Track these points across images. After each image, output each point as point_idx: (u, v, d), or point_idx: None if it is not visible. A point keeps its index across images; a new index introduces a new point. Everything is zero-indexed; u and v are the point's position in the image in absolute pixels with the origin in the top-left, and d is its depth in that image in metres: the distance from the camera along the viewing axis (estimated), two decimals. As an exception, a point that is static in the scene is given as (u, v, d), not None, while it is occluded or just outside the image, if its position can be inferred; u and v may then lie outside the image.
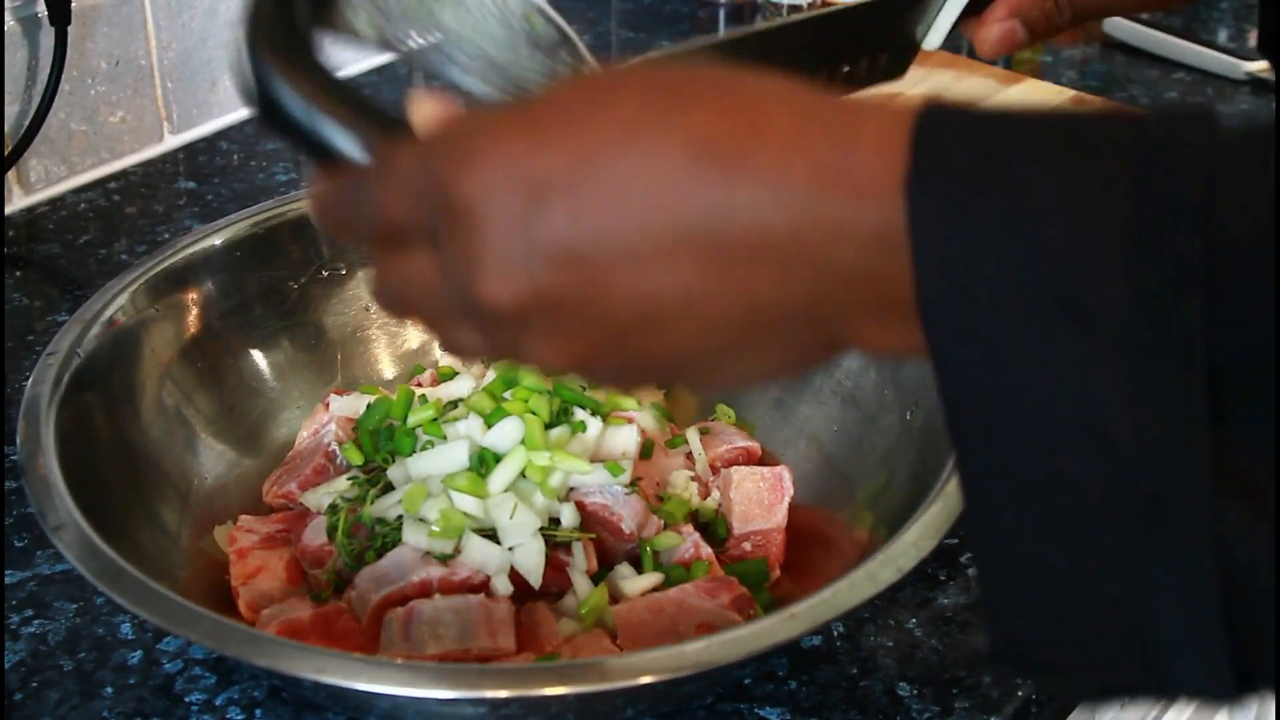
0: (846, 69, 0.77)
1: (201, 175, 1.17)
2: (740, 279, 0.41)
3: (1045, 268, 0.37)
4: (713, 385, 0.46)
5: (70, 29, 1.06)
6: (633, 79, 0.44)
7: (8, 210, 1.10)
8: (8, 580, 0.77)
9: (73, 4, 1.06)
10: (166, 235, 1.08)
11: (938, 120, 0.40)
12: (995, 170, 0.38)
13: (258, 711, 0.69)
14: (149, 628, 0.74)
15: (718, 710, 0.69)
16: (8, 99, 1.06)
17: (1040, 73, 1.35)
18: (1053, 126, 0.39)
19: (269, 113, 0.51)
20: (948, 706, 0.69)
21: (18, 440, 0.69)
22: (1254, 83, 1.32)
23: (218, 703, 0.69)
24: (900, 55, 0.78)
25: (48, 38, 1.06)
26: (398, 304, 0.48)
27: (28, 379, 0.71)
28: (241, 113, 1.24)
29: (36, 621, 0.74)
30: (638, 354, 0.44)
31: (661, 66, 0.45)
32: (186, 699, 0.70)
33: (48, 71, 1.06)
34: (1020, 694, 0.70)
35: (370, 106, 0.52)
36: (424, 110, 0.49)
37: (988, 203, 0.38)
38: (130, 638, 0.73)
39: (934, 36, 0.78)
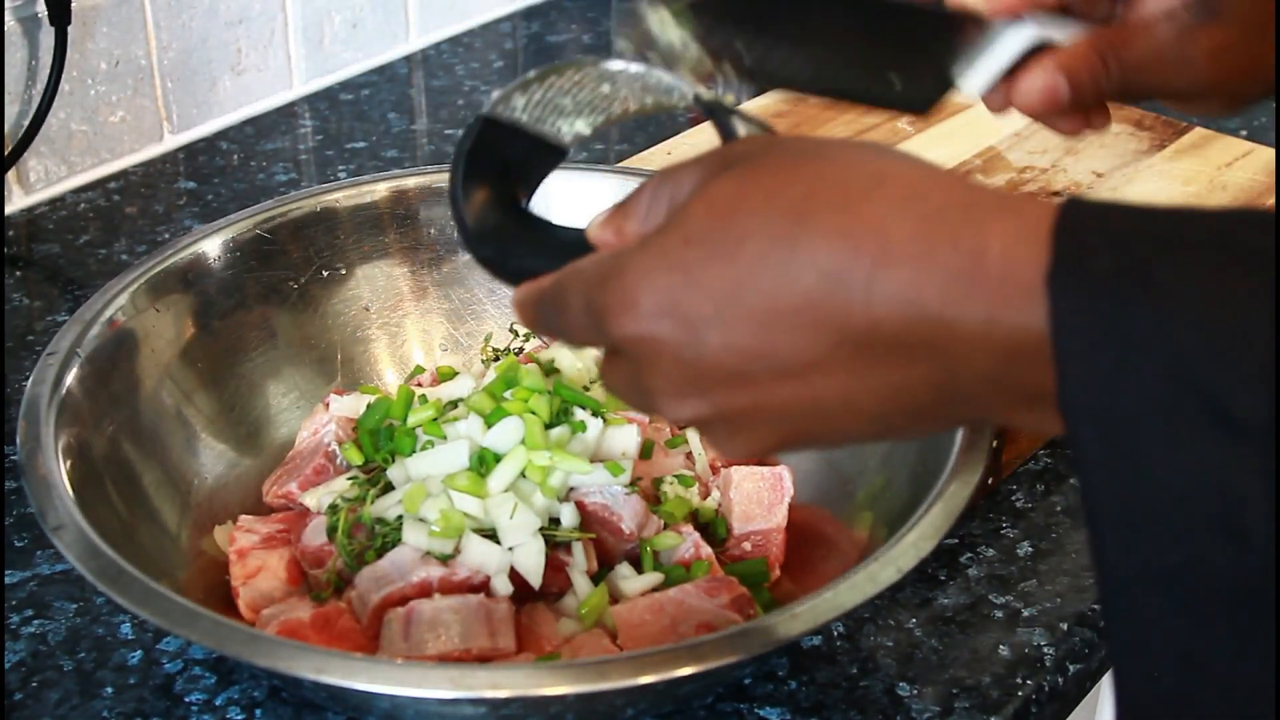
0: (870, 86, 0.70)
1: (201, 175, 1.17)
2: (892, 379, 0.44)
3: (1191, 374, 0.38)
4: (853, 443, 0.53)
5: (70, 29, 1.06)
6: (755, 204, 0.46)
7: (8, 210, 1.10)
8: (8, 580, 0.77)
9: (73, 4, 1.06)
10: (166, 235, 1.08)
11: (1079, 219, 0.41)
12: (1140, 275, 0.39)
13: (258, 711, 0.69)
14: (149, 628, 0.74)
15: (718, 710, 0.69)
16: (8, 99, 1.06)
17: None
18: (1197, 228, 0.40)
19: (471, 245, 0.60)
20: (948, 706, 0.69)
21: (18, 440, 0.69)
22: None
23: (218, 703, 0.70)
24: (927, 87, 0.69)
25: (48, 38, 1.06)
26: (614, 390, 0.54)
27: (28, 379, 0.71)
28: (241, 113, 1.24)
29: (36, 621, 0.74)
30: (806, 436, 0.48)
31: (775, 170, 0.48)
32: (186, 699, 0.70)
33: (48, 71, 1.06)
34: (1020, 694, 0.70)
35: (557, 230, 0.60)
36: (599, 234, 0.56)
37: (1133, 309, 0.39)
38: (130, 638, 0.73)
39: (976, 80, 0.68)
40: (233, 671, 0.71)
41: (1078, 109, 0.67)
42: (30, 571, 0.78)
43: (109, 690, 0.71)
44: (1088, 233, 0.40)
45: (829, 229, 0.44)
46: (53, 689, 0.71)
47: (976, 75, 0.68)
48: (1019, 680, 0.71)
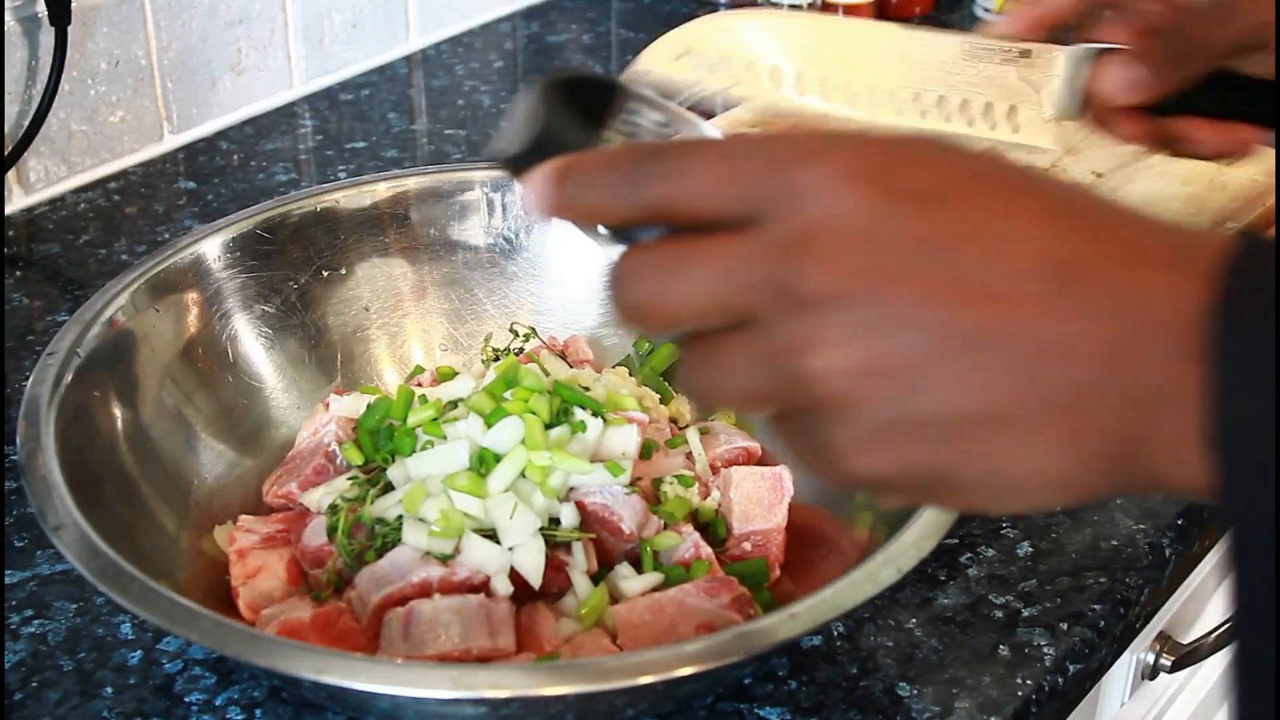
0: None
1: (201, 175, 1.17)
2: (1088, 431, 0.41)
3: None
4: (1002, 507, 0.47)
5: (70, 29, 1.06)
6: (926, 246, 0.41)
7: (8, 210, 1.10)
8: (8, 580, 0.77)
9: (73, 4, 1.06)
10: (166, 235, 1.08)
11: (1250, 258, 0.39)
12: None
13: (258, 711, 0.69)
14: (149, 628, 0.74)
15: (718, 710, 0.69)
16: (8, 99, 1.06)
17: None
18: None
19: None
20: (948, 706, 0.69)
21: (18, 440, 0.69)
22: (1254, 83, 1.32)
23: (218, 703, 0.70)
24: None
25: (48, 38, 1.06)
26: (715, 388, 0.45)
27: (28, 379, 0.71)
28: (241, 113, 1.24)
29: (36, 621, 0.74)
30: (954, 477, 0.42)
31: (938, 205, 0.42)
32: (186, 699, 0.70)
33: (48, 71, 1.06)
34: (1020, 694, 0.70)
35: None
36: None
37: None
38: (130, 638, 0.73)
39: (1066, 103, 0.69)
40: (233, 671, 0.71)
41: (1162, 90, 0.68)
42: (30, 571, 0.78)
43: (109, 690, 0.71)
44: (1257, 269, 0.39)
45: (1023, 298, 0.40)
46: (53, 689, 0.71)
47: (1064, 99, 0.70)
48: (1019, 680, 0.71)
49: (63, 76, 1.07)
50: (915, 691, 0.70)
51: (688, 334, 0.44)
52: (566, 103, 0.47)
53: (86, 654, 0.73)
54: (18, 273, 1.04)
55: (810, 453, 0.44)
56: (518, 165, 0.47)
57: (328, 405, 0.81)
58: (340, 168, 1.19)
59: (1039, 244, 0.40)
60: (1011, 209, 0.41)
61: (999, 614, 0.75)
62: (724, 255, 0.42)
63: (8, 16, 1.05)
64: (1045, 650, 0.73)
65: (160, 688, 0.71)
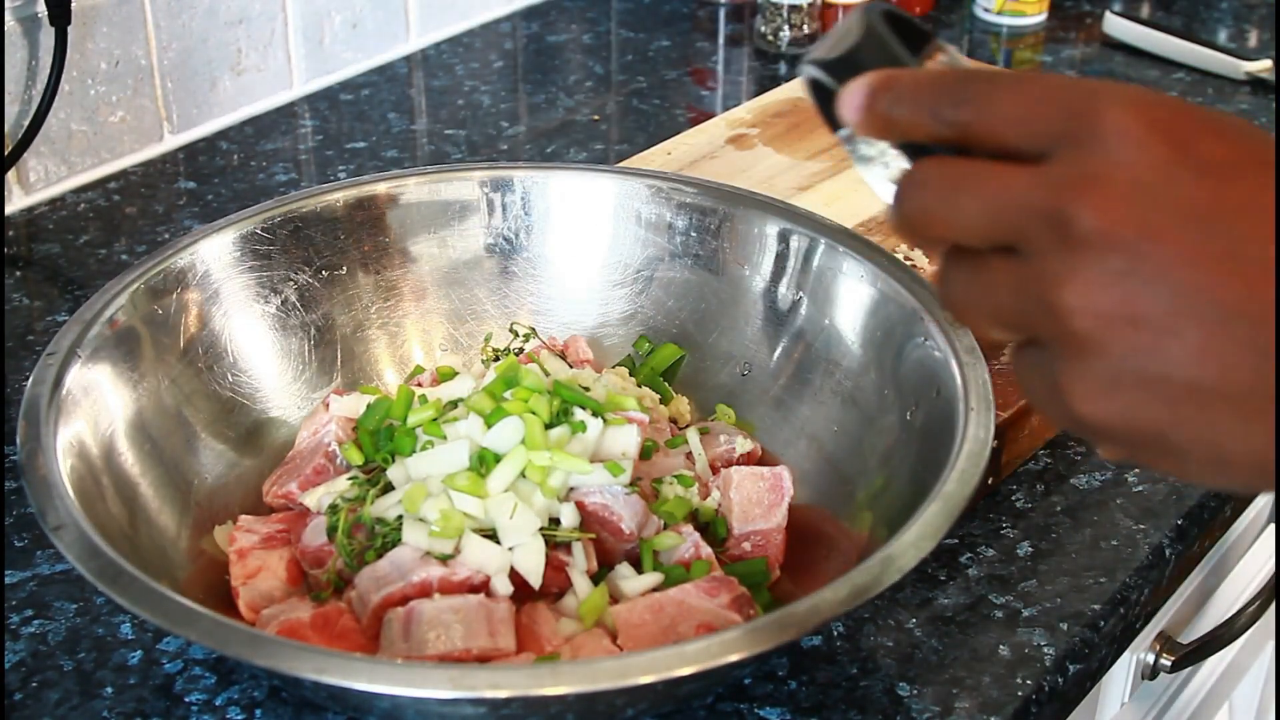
0: None
1: (201, 175, 1.17)
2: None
3: None
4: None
5: (70, 29, 1.06)
6: (1176, 233, 0.43)
7: (8, 210, 1.10)
8: (8, 580, 0.77)
9: (73, 4, 1.06)
10: (166, 235, 1.08)
11: None
12: None
13: (258, 711, 0.69)
14: (149, 628, 0.74)
15: (718, 710, 0.69)
16: (8, 99, 1.06)
17: (1040, 72, 1.35)
18: None
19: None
20: (948, 706, 0.69)
21: (18, 440, 0.69)
22: (1254, 83, 1.32)
23: (218, 703, 0.70)
24: None
25: (48, 38, 1.06)
26: (971, 304, 0.47)
27: (28, 379, 0.71)
28: (241, 113, 1.24)
29: (36, 621, 0.74)
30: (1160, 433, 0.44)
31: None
32: (186, 699, 0.70)
33: (48, 71, 1.06)
34: (1020, 694, 0.70)
35: None
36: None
37: None
38: (130, 638, 0.73)
39: None
40: (233, 671, 0.71)
41: None
42: (30, 571, 0.78)
43: (109, 690, 0.71)
44: None
45: (1249, 277, 0.42)
46: (53, 689, 0.71)
47: None
48: (1019, 680, 0.71)
49: (63, 76, 1.07)
50: (915, 691, 0.70)
51: (957, 248, 0.47)
52: (886, 28, 0.51)
53: (86, 654, 0.73)
54: (18, 273, 1.04)
55: (1043, 388, 0.45)
56: (835, 70, 0.51)
57: (328, 405, 0.81)
58: (340, 168, 1.19)
59: None
60: None
61: (999, 614, 0.75)
62: (1015, 180, 0.44)
63: (8, 16, 1.05)
64: (1045, 650, 0.73)
65: (160, 688, 0.71)
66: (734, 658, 0.58)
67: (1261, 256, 0.41)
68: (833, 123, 0.52)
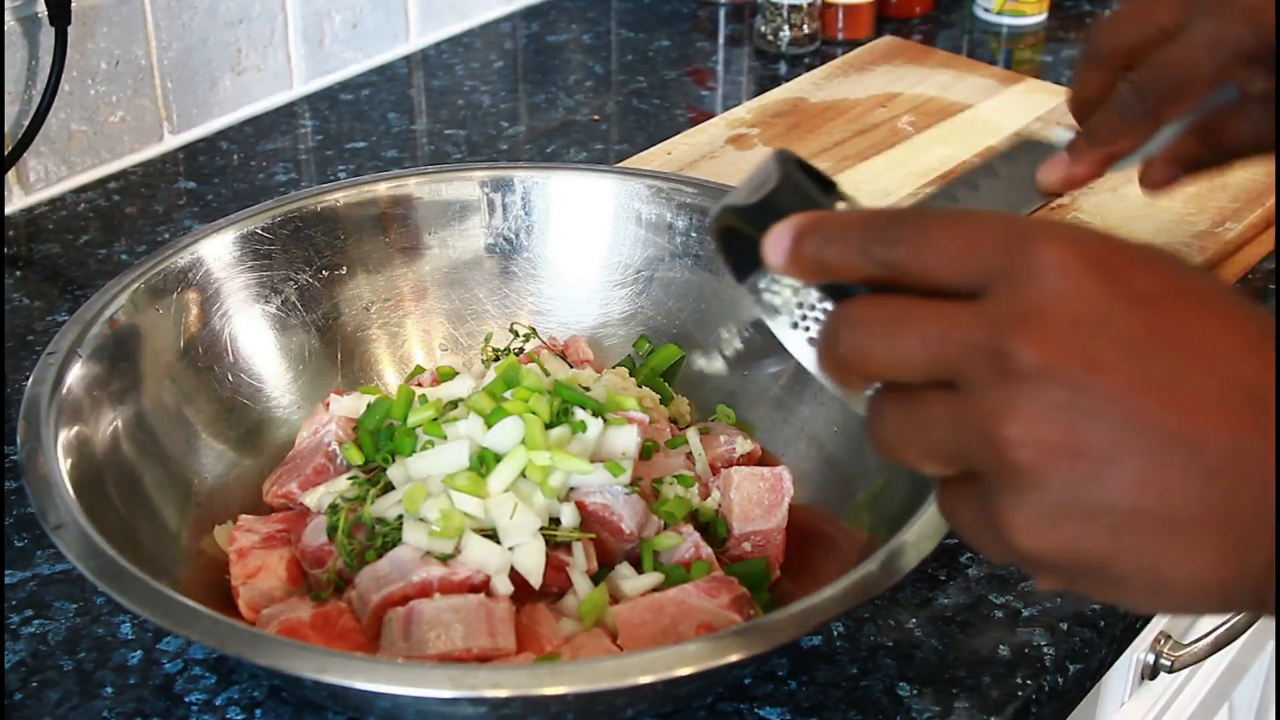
0: None
1: (201, 175, 1.17)
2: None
3: None
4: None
5: (70, 29, 1.06)
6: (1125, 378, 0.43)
7: (8, 210, 1.10)
8: (8, 580, 0.77)
9: (73, 4, 1.06)
10: (166, 235, 1.08)
11: None
12: None
13: (258, 711, 0.69)
14: (149, 628, 0.74)
15: (718, 710, 0.69)
16: (8, 99, 1.06)
17: (1040, 73, 1.36)
18: None
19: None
20: (948, 706, 0.69)
21: (18, 440, 0.69)
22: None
23: (218, 703, 0.70)
24: None
25: (48, 38, 1.06)
26: (904, 439, 0.47)
27: (28, 379, 0.71)
28: (241, 113, 1.24)
29: (36, 621, 0.74)
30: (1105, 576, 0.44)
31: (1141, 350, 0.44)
32: (186, 699, 0.70)
33: (48, 71, 1.06)
34: (1020, 694, 0.70)
35: None
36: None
37: None
38: (130, 638, 0.73)
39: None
40: (233, 671, 0.71)
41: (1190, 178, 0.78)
42: (30, 571, 0.78)
43: (109, 690, 0.71)
44: None
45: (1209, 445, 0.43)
46: (53, 689, 0.71)
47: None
48: (1019, 680, 0.71)
49: (63, 76, 1.07)
50: (915, 691, 0.70)
51: (889, 384, 0.47)
52: (800, 173, 0.51)
53: (86, 654, 0.73)
54: (18, 273, 1.04)
55: (978, 522, 0.46)
56: (754, 216, 0.51)
57: (328, 405, 0.81)
58: (340, 168, 1.19)
59: (1243, 366, 0.43)
60: (1222, 328, 0.43)
61: (999, 614, 0.75)
62: (954, 318, 0.45)
63: (8, 16, 1.05)
64: (1045, 650, 0.73)
65: (160, 688, 0.71)
66: (734, 658, 0.58)
67: (1196, 384, 0.42)
68: (740, 272, 0.52)
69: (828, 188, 0.53)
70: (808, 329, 0.51)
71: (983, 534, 0.46)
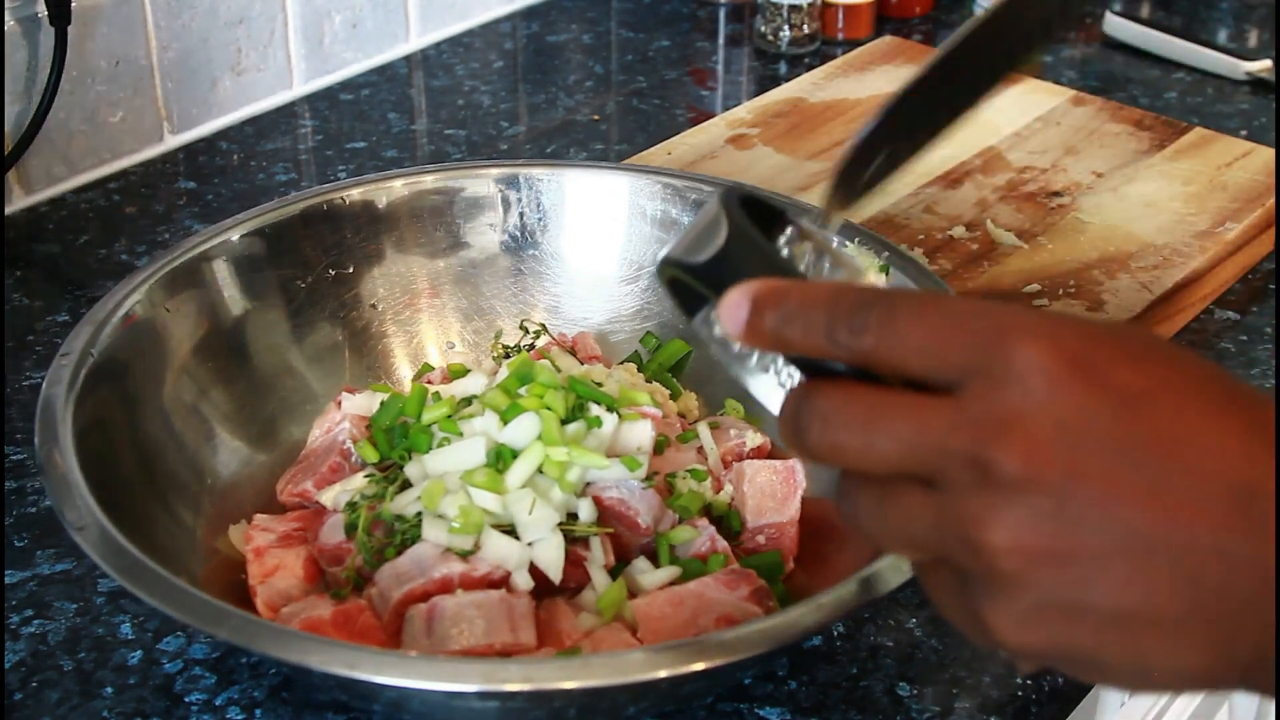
0: None
1: (201, 175, 1.17)
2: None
3: None
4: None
5: (70, 29, 1.06)
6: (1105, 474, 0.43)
7: (8, 210, 1.10)
8: (8, 580, 0.77)
9: (73, 4, 1.06)
10: (166, 235, 1.08)
11: None
12: None
13: (258, 711, 0.69)
14: (149, 627, 0.74)
15: (718, 710, 0.69)
16: (8, 99, 1.06)
17: (1040, 73, 1.36)
18: None
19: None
20: (948, 706, 0.69)
21: (35, 441, 0.68)
22: (1254, 83, 1.32)
23: (218, 703, 0.70)
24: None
25: (48, 38, 1.06)
26: (881, 529, 0.46)
27: (27, 379, 0.71)
28: (241, 113, 1.24)
29: (36, 621, 0.74)
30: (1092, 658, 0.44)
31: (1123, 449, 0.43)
32: (186, 699, 0.70)
33: (48, 71, 1.06)
34: (1020, 694, 0.70)
35: None
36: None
37: None
38: (130, 638, 0.73)
39: None
40: (233, 671, 0.71)
41: None
42: (30, 571, 0.78)
43: (109, 690, 0.70)
44: None
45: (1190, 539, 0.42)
46: (53, 689, 0.71)
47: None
48: (1019, 680, 0.71)
49: (63, 76, 1.06)
50: (915, 691, 0.70)
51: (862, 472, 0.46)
52: (748, 222, 0.48)
53: (86, 654, 0.73)
54: (18, 273, 1.04)
55: (960, 611, 0.46)
56: (703, 275, 0.48)
57: (339, 403, 0.81)
58: (340, 168, 1.19)
59: (1230, 462, 0.42)
60: (1208, 423, 0.43)
61: (999, 614, 0.75)
62: (930, 417, 0.44)
63: (8, 16, 1.05)
64: (1045, 650, 0.73)
65: (160, 688, 0.71)
66: (765, 648, 0.58)
67: (1180, 485, 0.42)
68: (690, 311, 0.50)
69: (777, 220, 0.50)
70: (765, 369, 0.49)
71: (965, 622, 0.46)
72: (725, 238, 0.48)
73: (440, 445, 0.73)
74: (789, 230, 0.51)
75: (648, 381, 0.85)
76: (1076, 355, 0.43)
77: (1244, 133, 1.20)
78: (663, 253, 0.50)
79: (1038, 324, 0.43)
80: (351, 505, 0.73)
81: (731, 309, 0.47)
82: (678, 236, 0.50)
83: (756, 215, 0.49)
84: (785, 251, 0.52)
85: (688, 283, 0.49)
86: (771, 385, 0.49)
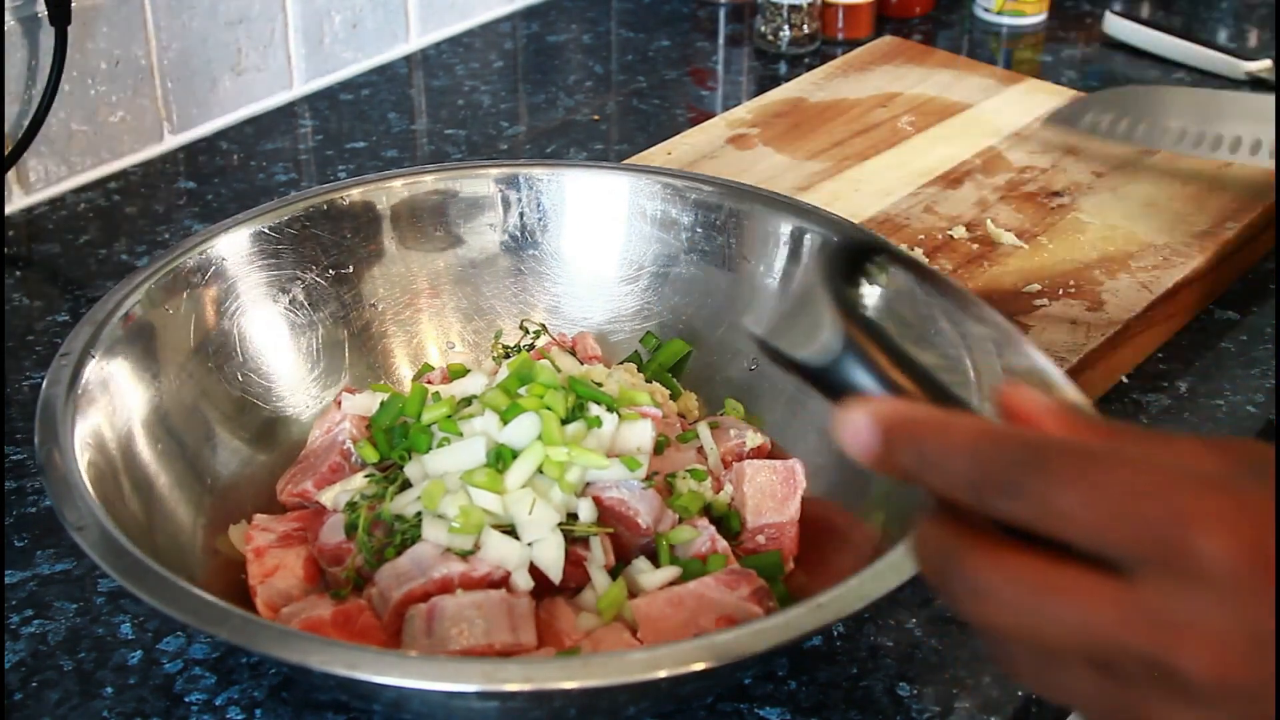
0: None
1: (201, 175, 1.17)
2: None
3: None
4: None
5: (70, 29, 1.06)
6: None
7: (8, 210, 1.10)
8: (8, 580, 0.77)
9: (73, 4, 1.06)
10: (166, 235, 1.08)
11: None
12: None
13: (258, 711, 0.69)
14: (149, 627, 0.74)
15: (718, 710, 0.69)
16: (8, 99, 1.06)
17: (1040, 73, 1.36)
18: None
19: None
20: (948, 706, 0.69)
21: (35, 441, 0.68)
22: (1254, 83, 1.32)
23: (218, 703, 0.70)
24: None
25: (48, 38, 1.06)
26: (1049, 688, 0.43)
27: (27, 379, 0.71)
28: (241, 113, 1.24)
29: (36, 621, 0.74)
30: None
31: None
32: (186, 699, 0.70)
33: (48, 71, 1.06)
34: (1020, 694, 0.70)
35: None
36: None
37: None
38: (130, 638, 0.73)
39: None
40: (233, 671, 0.71)
41: None
42: (30, 571, 0.78)
43: (109, 690, 0.70)
44: None
45: None
46: (53, 689, 0.71)
47: None
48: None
49: (63, 76, 1.06)
50: (915, 691, 0.70)
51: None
52: (842, 274, 0.46)
53: (86, 654, 0.73)
54: (18, 273, 1.04)
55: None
56: (812, 376, 0.46)
57: (339, 403, 0.81)
58: (340, 168, 1.19)
59: None
60: None
61: (999, 614, 0.75)
62: (1099, 606, 0.40)
63: (8, 16, 1.05)
64: (1045, 650, 0.73)
65: (160, 688, 0.71)
66: (766, 647, 0.58)
67: None
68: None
69: (873, 255, 0.47)
70: None
71: None
72: (840, 344, 0.44)
73: (440, 445, 0.73)
74: (879, 258, 0.48)
75: (648, 381, 0.85)
76: (1262, 549, 0.39)
77: (1244, 133, 1.20)
78: (756, 330, 0.47)
79: (1218, 511, 0.39)
80: (351, 505, 0.73)
81: (854, 430, 0.44)
82: (771, 311, 0.47)
83: (853, 260, 0.47)
84: (878, 283, 0.49)
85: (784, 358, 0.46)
86: None
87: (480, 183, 0.90)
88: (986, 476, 0.41)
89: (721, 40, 1.43)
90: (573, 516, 0.71)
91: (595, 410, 0.73)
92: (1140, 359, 0.95)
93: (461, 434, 0.73)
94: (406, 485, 0.73)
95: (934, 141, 1.14)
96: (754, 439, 0.81)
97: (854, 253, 0.48)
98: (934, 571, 0.43)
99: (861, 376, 0.45)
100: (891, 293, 0.49)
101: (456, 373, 0.83)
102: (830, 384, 0.45)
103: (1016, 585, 0.41)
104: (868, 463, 0.44)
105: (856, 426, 0.44)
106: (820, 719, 0.69)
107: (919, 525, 0.43)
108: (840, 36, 1.40)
